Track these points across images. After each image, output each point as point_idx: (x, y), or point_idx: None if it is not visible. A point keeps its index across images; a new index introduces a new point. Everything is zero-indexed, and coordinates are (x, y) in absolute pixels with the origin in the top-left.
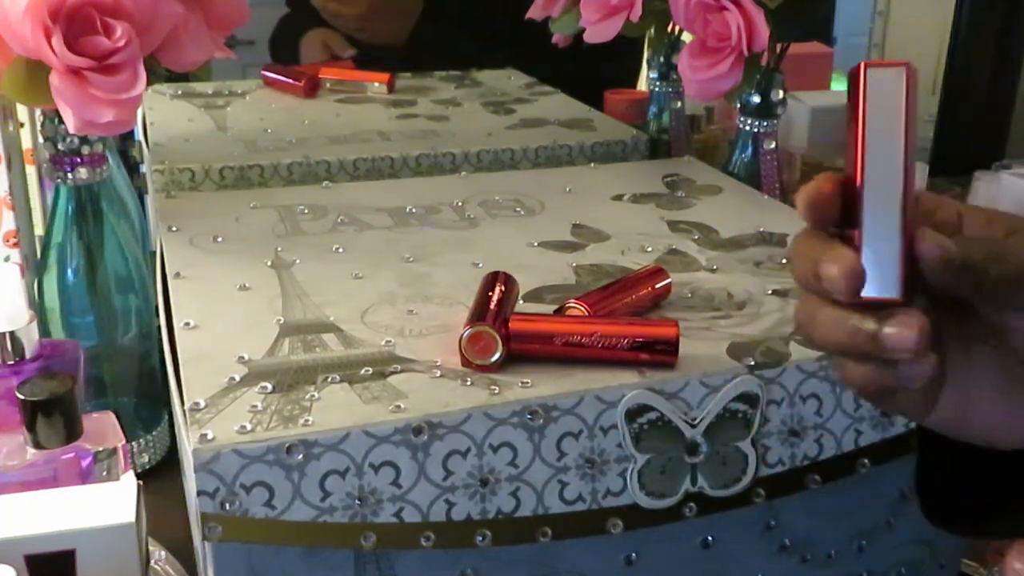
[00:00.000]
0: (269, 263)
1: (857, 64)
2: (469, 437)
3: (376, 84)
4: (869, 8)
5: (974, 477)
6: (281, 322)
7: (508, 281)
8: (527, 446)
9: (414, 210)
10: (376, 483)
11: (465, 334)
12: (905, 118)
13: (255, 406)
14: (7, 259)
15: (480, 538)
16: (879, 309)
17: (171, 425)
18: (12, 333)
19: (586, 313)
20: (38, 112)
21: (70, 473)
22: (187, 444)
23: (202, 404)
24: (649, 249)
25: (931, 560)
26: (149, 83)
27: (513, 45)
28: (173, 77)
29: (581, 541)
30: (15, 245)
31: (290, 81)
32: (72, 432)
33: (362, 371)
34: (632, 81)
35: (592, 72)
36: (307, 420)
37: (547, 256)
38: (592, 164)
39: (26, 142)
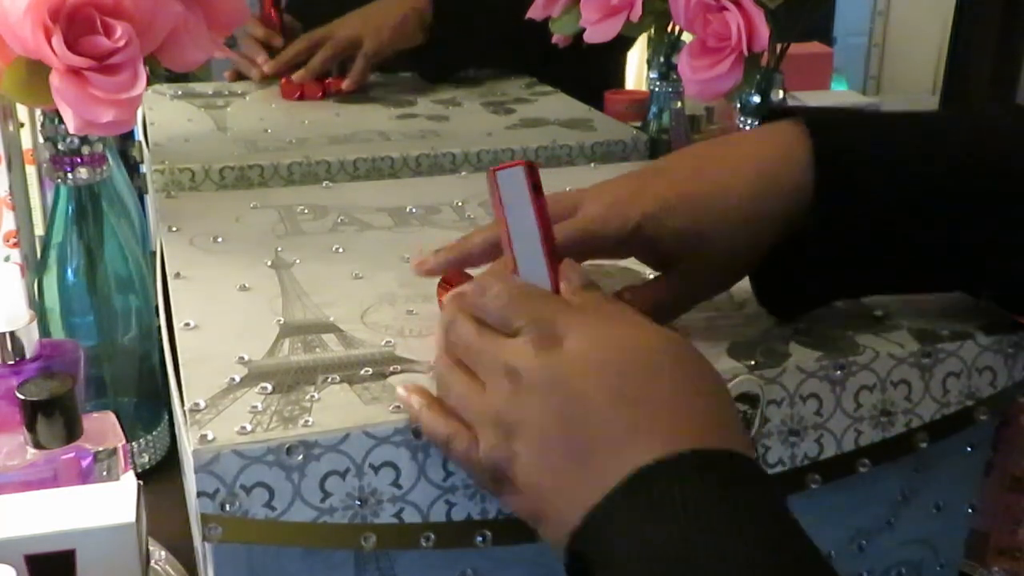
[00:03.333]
0: (269, 263)
1: (490, 169)
2: None
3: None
4: (869, 8)
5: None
6: (281, 322)
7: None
8: None
9: (414, 210)
10: (376, 484)
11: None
12: (533, 204)
13: (255, 407)
14: (7, 259)
15: (480, 538)
16: None
17: (171, 425)
18: (12, 333)
19: None
20: (38, 112)
21: (70, 473)
22: (187, 444)
23: (202, 404)
24: None
25: (931, 560)
26: (149, 83)
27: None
28: (173, 77)
29: None
30: (15, 245)
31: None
32: (72, 432)
33: (362, 371)
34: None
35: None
36: (307, 421)
37: None
38: (592, 164)
39: (26, 142)
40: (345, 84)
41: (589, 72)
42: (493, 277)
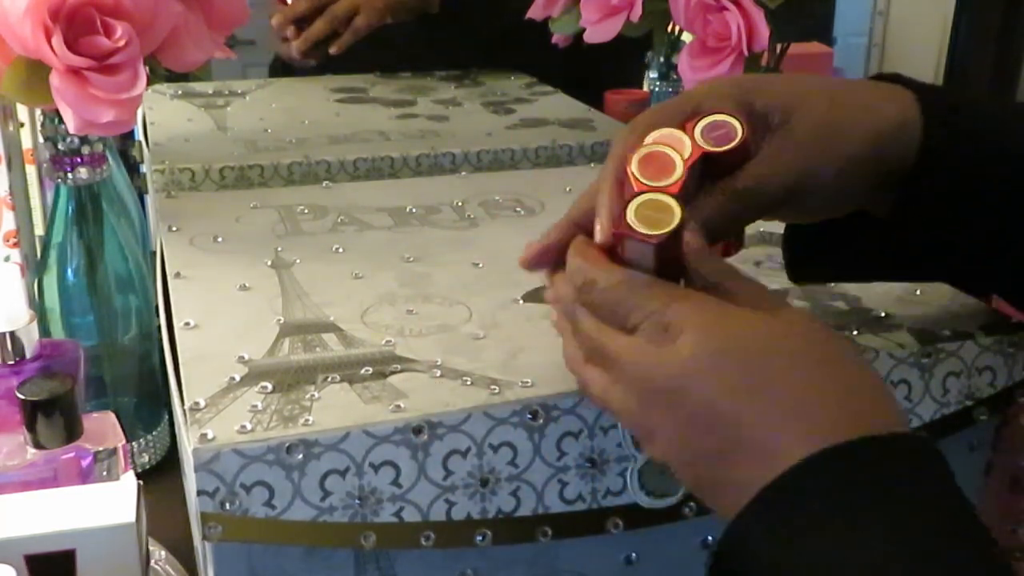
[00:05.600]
0: (269, 263)
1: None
2: (469, 437)
3: None
4: (869, 8)
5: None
6: (281, 322)
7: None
8: (527, 446)
9: (414, 210)
10: (376, 483)
11: (637, 155)
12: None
13: (255, 406)
14: (7, 259)
15: (480, 538)
16: None
17: (171, 425)
18: (12, 333)
19: None
20: (38, 112)
21: (70, 473)
22: (187, 444)
23: (202, 404)
24: None
25: None
26: (149, 83)
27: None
28: (173, 77)
29: (581, 541)
30: (15, 245)
31: None
32: (72, 432)
33: (362, 371)
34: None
35: (593, 72)
36: (307, 420)
37: None
38: (592, 164)
39: (26, 142)
40: (332, 49)
41: (615, 70)
42: (598, 267)
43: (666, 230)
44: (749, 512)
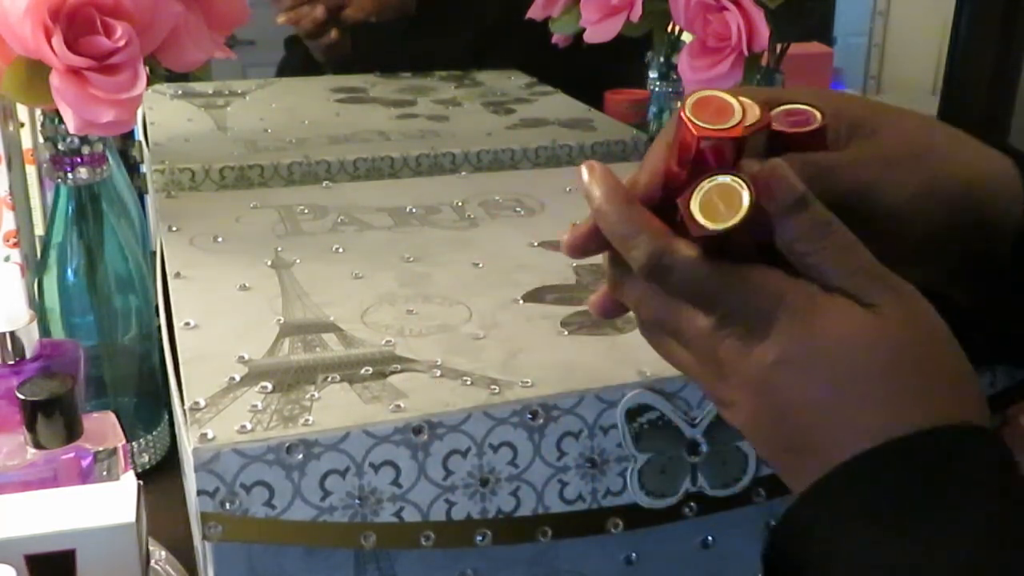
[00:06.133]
0: (269, 263)
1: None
2: (469, 437)
3: None
4: (869, 8)
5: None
6: (281, 322)
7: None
8: (527, 446)
9: (414, 210)
10: (376, 483)
11: (690, 100)
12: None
13: (255, 406)
14: (7, 259)
15: (480, 538)
16: None
17: (171, 425)
18: (12, 333)
19: None
20: (38, 112)
21: (70, 473)
22: (187, 444)
23: (202, 404)
24: None
25: None
26: (149, 83)
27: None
28: (173, 77)
29: (581, 541)
30: (15, 245)
31: None
32: (72, 432)
33: (362, 371)
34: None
35: (598, 72)
36: (307, 420)
37: (547, 256)
38: None
39: (26, 142)
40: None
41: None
42: (676, 250)
43: (736, 220)
44: (810, 495)
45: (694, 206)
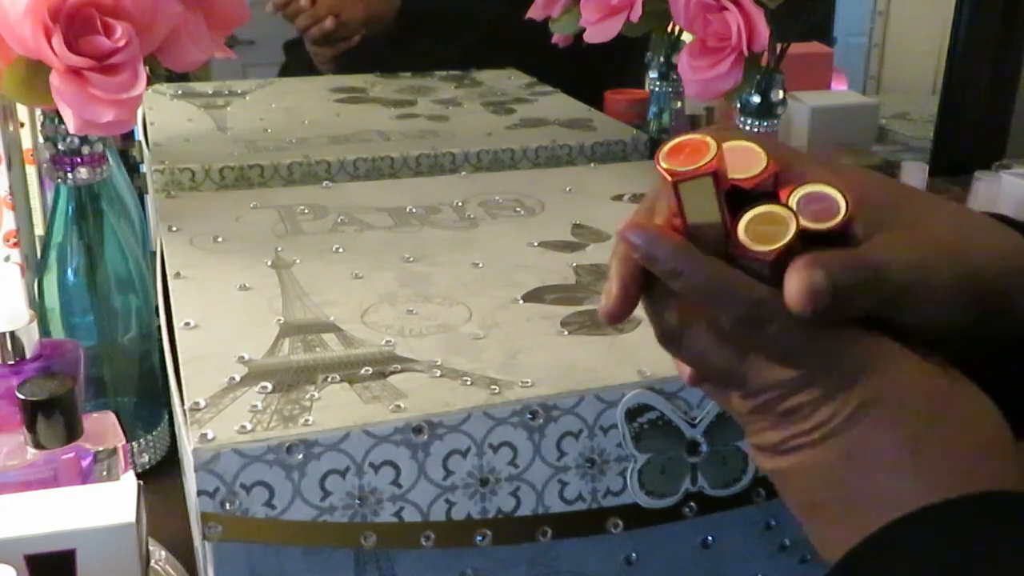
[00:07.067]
0: (269, 263)
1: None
2: (469, 437)
3: None
4: (869, 8)
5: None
6: (281, 322)
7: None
8: (527, 446)
9: (414, 210)
10: (376, 483)
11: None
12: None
13: (255, 406)
14: (7, 259)
15: (480, 538)
16: None
17: (171, 425)
18: (12, 333)
19: None
20: (38, 112)
21: (70, 473)
22: (187, 444)
23: (202, 404)
24: None
25: None
26: (149, 83)
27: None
28: (173, 77)
29: (581, 541)
30: (15, 245)
31: None
32: (72, 432)
33: (362, 371)
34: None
35: (595, 72)
36: (307, 420)
37: (547, 256)
38: (592, 164)
39: (26, 142)
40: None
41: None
42: (774, 296)
43: (782, 243)
44: (877, 539)
45: (747, 241)
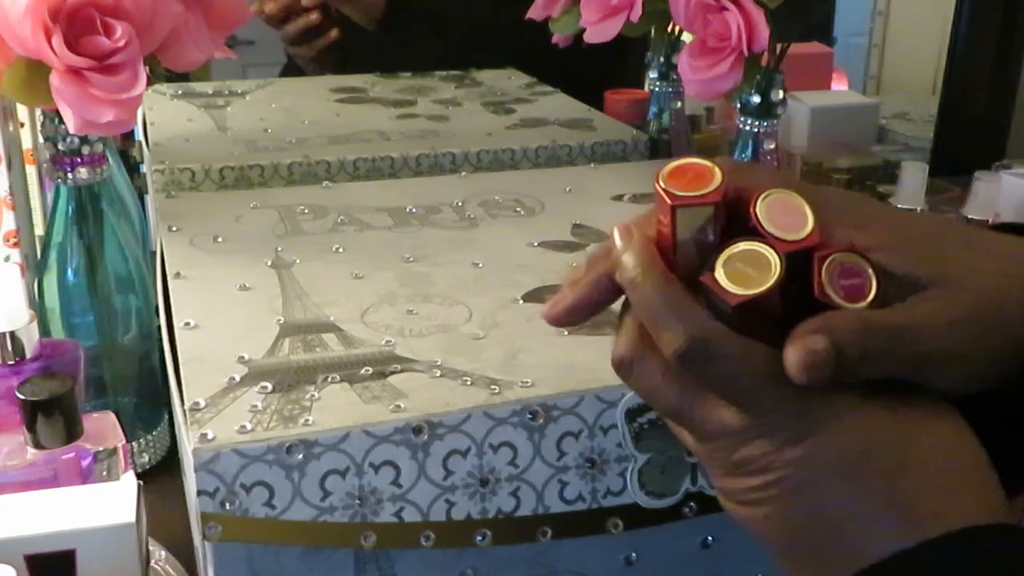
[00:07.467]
0: (269, 263)
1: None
2: (469, 437)
3: None
4: (869, 8)
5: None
6: (281, 322)
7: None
8: (527, 446)
9: (414, 210)
10: (376, 483)
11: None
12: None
13: (255, 406)
14: (7, 259)
15: (480, 538)
16: None
17: (171, 425)
18: (12, 333)
19: None
20: (38, 112)
21: (70, 473)
22: (187, 444)
23: (202, 404)
24: None
25: None
26: (149, 83)
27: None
28: (173, 77)
29: (581, 541)
30: (15, 245)
31: None
32: (72, 432)
33: (362, 371)
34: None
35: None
36: (307, 420)
37: (547, 256)
38: (592, 164)
39: (26, 142)
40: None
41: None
42: (725, 333)
43: (752, 291)
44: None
45: (720, 276)
